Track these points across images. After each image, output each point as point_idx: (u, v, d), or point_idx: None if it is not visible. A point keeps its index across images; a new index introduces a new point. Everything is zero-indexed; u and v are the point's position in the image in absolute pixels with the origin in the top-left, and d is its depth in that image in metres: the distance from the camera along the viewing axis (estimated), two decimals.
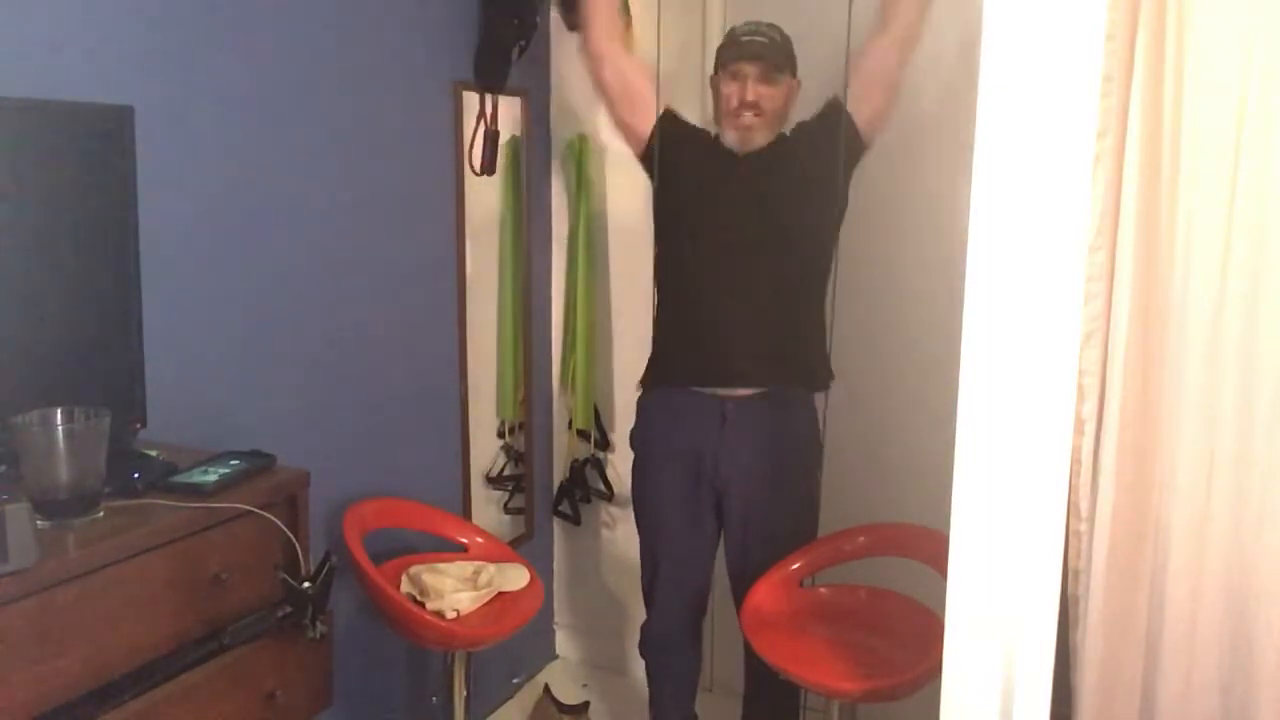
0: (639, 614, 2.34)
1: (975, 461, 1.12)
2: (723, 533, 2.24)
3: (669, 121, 2.20)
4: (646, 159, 2.22)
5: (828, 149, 2.09)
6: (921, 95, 2.25)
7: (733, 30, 2.15)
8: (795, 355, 2.16)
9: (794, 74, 2.13)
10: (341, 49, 2.09)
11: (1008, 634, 1.13)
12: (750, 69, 2.07)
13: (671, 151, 2.17)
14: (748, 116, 2.09)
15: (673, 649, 2.31)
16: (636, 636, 2.35)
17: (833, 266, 2.20)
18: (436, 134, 2.41)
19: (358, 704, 2.25)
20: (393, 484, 2.26)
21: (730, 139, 2.13)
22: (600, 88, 2.24)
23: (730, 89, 2.09)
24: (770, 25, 2.11)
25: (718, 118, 2.16)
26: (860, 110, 2.10)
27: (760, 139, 2.12)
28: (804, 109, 2.20)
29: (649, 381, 2.25)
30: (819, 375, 2.19)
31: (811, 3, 2.36)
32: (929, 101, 2.27)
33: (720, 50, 2.15)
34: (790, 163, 2.13)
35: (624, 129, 2.26)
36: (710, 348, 2.13)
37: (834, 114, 2.12)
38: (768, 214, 2.12)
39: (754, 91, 2.07)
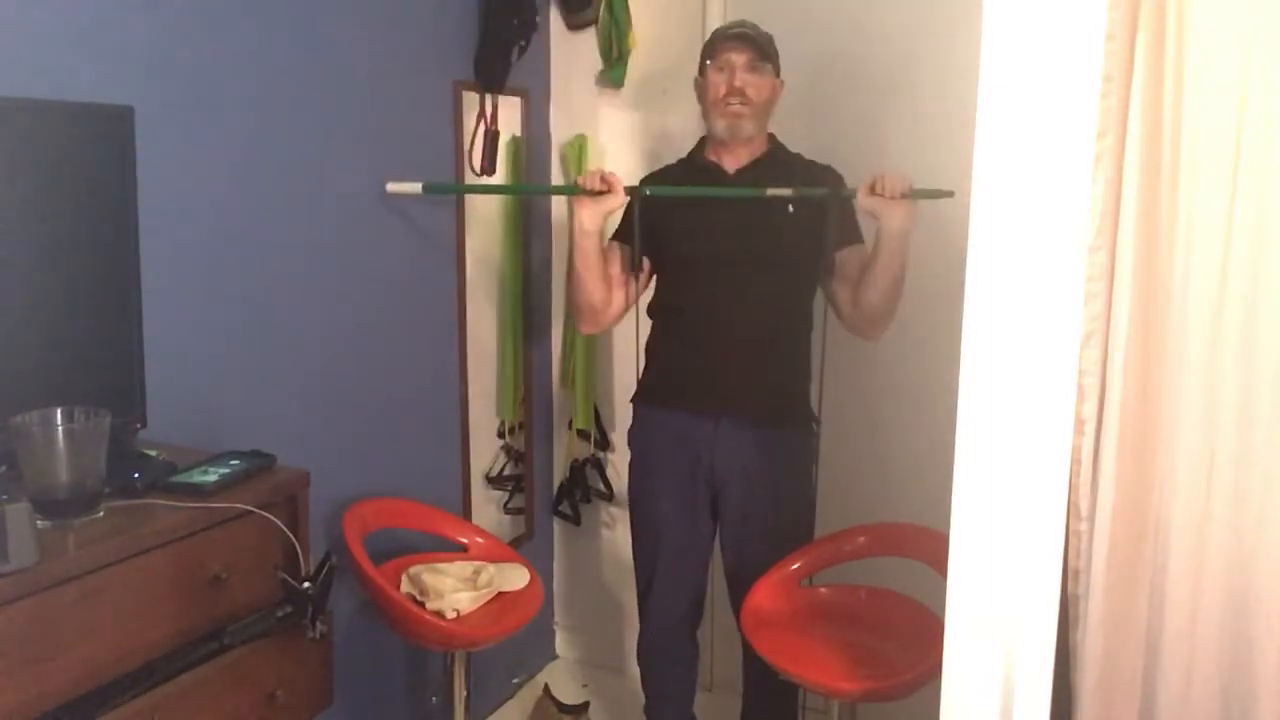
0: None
1: (975, 461, 1.12)
2: (719, 532, 2.24)
3: (641, 203, 2.15)
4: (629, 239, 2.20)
5: (818, 218, 2.10)
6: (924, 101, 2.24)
7: (715, 30, 2.20)
8: (787, 387, 2.17)
9: (778, 73, 2.15)
10: (341, 49, 2.09)
11: (1008, 634, 1.13)
12: (738, 58, 2.09)
13: (652, 215, 2.15)
14: (735, 104, 2.10)
15: (671, 651, 2.31)
16: (636, 636, 2.34)
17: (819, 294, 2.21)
18: (436, 134, 2.41)
19: (358, 704, 2.25)
20: (393, 484, 2.26)
21: (719, 128, 2.13)
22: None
23: (717, 78, 2.11)
24: (753, 24, 2.14)
25: (705, 113, 2.17)
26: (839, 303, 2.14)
27: (748, 128, 2.12)
28: (794, 112, 2.20)
29: (641, 400, 2.27)
30: (807, 413, 2.21)
31: (808, 5, 2.37)
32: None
33: (705, 47, 2.18)
34: (778, 183, 2.11)
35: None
36: (701, 377, 2.15)
37: (833, 201, 2.09)
38: (756, 232, 2.12)
39: (740, 79, 2.08)
